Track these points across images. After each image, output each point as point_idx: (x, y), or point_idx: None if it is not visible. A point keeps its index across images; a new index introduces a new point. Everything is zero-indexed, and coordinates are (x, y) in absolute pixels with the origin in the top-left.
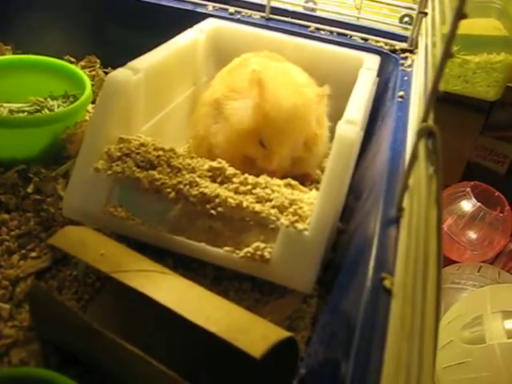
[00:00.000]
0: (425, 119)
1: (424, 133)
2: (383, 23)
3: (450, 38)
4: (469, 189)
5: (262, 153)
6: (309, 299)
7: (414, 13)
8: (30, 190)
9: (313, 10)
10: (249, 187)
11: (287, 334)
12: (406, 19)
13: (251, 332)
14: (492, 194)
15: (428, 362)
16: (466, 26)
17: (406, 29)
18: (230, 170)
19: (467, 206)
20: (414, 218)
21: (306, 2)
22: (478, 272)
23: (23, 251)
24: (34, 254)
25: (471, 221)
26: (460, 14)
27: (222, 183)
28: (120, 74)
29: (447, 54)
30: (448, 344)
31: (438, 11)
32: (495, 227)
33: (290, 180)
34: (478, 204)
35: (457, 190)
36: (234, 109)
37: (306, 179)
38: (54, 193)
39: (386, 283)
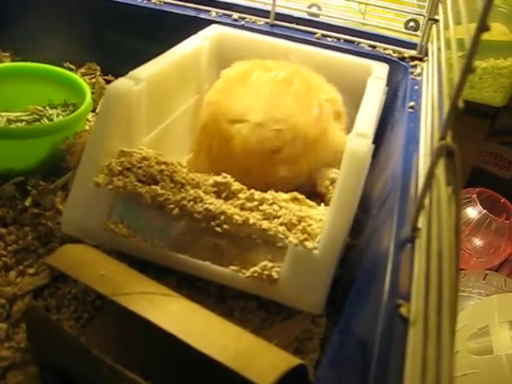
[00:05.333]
0: (443, 137)
1: (443, 151)
2: (389, 29)
3: (472, 53)
4: (474, 195)
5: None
6: (317, 319)
7: (420, 18)
8: (27, 203)
9: (317, 15)
10: (255, 203)
11: (297, 361)
12: (412, 24)
13: (260, 360)
14: (498, 200)
15: None
16: (472, 32)
17: (412, 34)
18: (236, 186)
19: (473, 212)
20: (433, 240)
21: (310, 7)
22: (484, 280)
23: (21, 267)
24: (31, 271)
25: (477, 228)
26: (483, 27)
27: (227, 199)
28: (121, 84)
29: (468, 69)
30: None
31: (452, 18)
32: (501, 234)
33: (296, 194)
34: (484, 211)
35: (462, 197)
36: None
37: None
38: (52, 206)
39: (403, 310)
